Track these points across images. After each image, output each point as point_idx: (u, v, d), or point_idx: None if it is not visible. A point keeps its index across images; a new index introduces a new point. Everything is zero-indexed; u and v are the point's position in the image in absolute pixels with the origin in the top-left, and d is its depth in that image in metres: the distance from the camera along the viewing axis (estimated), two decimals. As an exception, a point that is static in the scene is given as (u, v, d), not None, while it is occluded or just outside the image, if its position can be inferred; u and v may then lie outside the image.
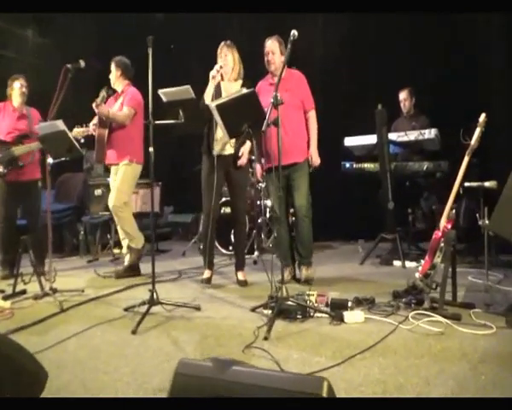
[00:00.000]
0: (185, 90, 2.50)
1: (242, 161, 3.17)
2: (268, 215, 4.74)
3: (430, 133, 3.76)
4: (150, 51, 2.57)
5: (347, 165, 4.27)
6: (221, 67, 3.01)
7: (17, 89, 3.83)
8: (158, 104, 2.67)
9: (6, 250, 3.92)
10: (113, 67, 3.68)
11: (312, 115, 3.26)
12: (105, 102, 3.54)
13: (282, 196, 3.11)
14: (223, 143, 3.09)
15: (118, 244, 4.91)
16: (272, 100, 2.40)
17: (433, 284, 2.46)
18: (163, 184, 5.44)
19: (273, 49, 3.16)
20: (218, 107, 2.51)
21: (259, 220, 4.69)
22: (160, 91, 2.52)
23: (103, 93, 3.39)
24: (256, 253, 4.39)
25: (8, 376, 1.31)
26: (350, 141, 4.25)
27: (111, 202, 3.58)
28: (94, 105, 3.36)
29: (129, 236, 3.65)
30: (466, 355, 1.82)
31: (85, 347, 2.04)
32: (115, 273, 3.64)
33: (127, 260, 3.70)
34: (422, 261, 2.52)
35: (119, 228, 3.70)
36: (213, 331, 2.20)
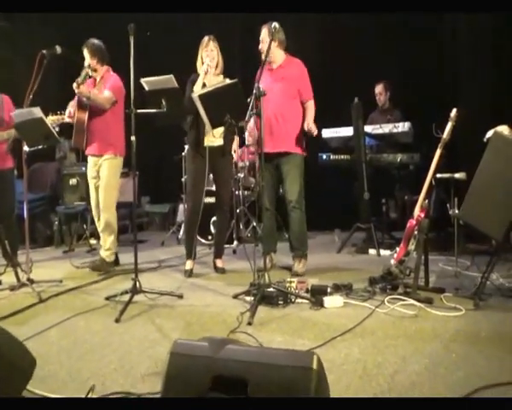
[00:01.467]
0: (168, 79, 2.50)
1: (236, 158, 3.19)
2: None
3: (404, 126, 3.90)
4: (132, 39, 2.55)
5: (324, 156, 4.37)
6: (208, 65, 3.03)
7: None
8: (139, 93, 2.66)
9: (-22, 241, 3.79)
10: (86, 53, 3.45)
11: (310, 105, 3.23)
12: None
13: (266, 185, 3.13)
14: (211, 134, 3.11)
15: (94, 235, 4.86)
16: (255, 91, 2.43)
17: (406, 270, 2.58)
18: (140, 174, 5.38)
19: (263, 38, 3.12)
20: (201, 97, 2.52)
21: (238, 210, 4.73)
22: (143, 80, 2.51)
23: (86, 71, 3.18)
24: (235, 242, 4.44)
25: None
26: (327, 133, 4.34)
27: (102, 201, 3.44)
28: (75, 85, 3.15)
29: (109, 237, 3.48)
30: (438, 336, 1.94)
31: (68, 336, 2.03)
32: (91, 265, 3.49)
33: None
34: (397, 249, 2.63)
35: (102, 224, 3.50)
36: (197, 318, 2.24)
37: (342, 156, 4.26)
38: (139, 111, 2.55)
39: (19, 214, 4.23)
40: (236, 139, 3.24)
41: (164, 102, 2.51)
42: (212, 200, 4.22)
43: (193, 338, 1.92)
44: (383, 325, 2.07)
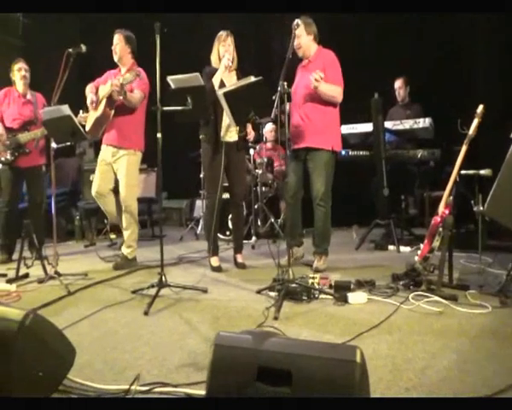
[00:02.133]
0: (194, 77, 2.52)
1: (250, 137, 3.20)
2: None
3: (425, 122, 3.87)
4: (158, 38, 2.58)
5: (343, 152, 4.35)
6: (228, 59, 3.06)
7: (17, 73, 3.79)
8: (163, 91, 2.69)
9: (6, 235, 3.91)
10: (121, 39, 3.42)
11: (336, 87, 3.09)
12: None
13: (290, 180, 3.17)
14: (228, 130, 3.14)
15: (113, 230, 4.94)
16: (279, 88, 2.45)
17: (430, 267, 2.58)
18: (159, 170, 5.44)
19: (298, 33, 3.02)
20: (226, 94, 2.55)
21: (256, 206, 4.76)
22: (169, 78, 2.54)
23: (133, 75, 3.07)
24: (254, 238, 4.47)
25: (39, 354, 1.36)
26: (346, 129, 4.33)
27: (124, 198, 3.43)
28: (116, 83, 3.08)
29: (130, 234, 3.48)
30: (465, 332, 1.94)
31: (99, 328, 2.09)
32: (114, 265, 3.48)
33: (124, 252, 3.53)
34: (421, 245, 2.62)
35: (123, 221, 3.49)
36: (223, 312, 2.28)
37: (361, 152, 4.24)
38: (165, 108, 2.58)
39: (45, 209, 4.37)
40: (252, 133, 3.24)
41: (189, 100, 2.53)
42: (228, 195, 4.26)
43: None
44: (409, 322, 2.08)
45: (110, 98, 3.26)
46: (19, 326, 1.30)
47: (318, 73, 2.89)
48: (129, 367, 1.63)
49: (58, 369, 1.40)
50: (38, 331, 1.35)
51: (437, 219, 2.50)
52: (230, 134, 3.18)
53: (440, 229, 2.45)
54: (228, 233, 4.72)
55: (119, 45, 3.43)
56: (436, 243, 2.47)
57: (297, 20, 2.85)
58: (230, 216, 4.67)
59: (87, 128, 3.39)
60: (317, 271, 3.10)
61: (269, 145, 5.49)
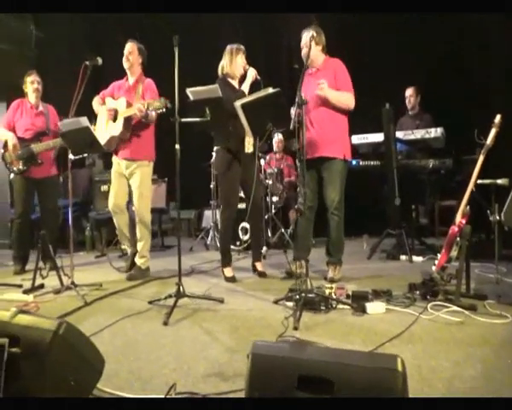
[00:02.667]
0: (213, 89, 2.56)
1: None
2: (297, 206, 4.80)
3: (436, 132, 3.89)
4: (176, 50, 2.63)
5: (354, 162, 4.38)
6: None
7: (30, 85, 3.86)
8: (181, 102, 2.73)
9: (20, 246, 3.94)
10: (135, 49, 3.50)
11: (346, 93, 3.12)
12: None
13: (311, 186, 3.16)
14: (246, 141, 3.18)
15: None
16: (297, 99, 2.48)
17: (447, 276, 2.58)
18: (168, 181, 5.49)
19: (307, 42, 3.09)
20: (244, 106, 2.58)
21: (266, 217, 4.78)
22: (188, 90, 2.58)
23: (163, 104, 3.05)
24: (264, 248, 4.47)
25: (72, 363, 1.37)
26: (357, 139, 4.36)
27: (138, 210, 3.47)
28: (141, 107, 3.15)
29: (144, 244, 3.51)
30: (488, 342, 1.94)
31: (120, 338, 2.09)
32: (128, 276, 3.49)
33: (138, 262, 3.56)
34: (438, 255, 2.63)
35: (138, 232, 3.53)
36: (243, 322, 2.28)
37: (372, 162, 4.27)
38: (184, 120, 2.62)
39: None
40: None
41: (208, 111, 2.56)
42: (240, 206, 4.28)
43: (243, 342, 1.98)
44: (430, 332, 2.07)
45: (129, 118, 3.35)
46: (53, 336, 1.31)
47: (321, 81, 2.97)
48: (155, 377, 1.64)
49: (89, 378, 1.40)
50: (71, 340, 1.36)
51: (454, 228, 2.51)
52: (248, 145, 3.22)
53: (458, 239, 2.46)
54: (238, 243, 4.74)
55: (134, 55, 3.50)
56: (454, 253, 2.48)
57: (311, 32, 2.88)
58: (241, 226, 4.72)
59: (102, 143, 3.42)
60: (331, 281, 3.10)
61: (278, 156, 5.53)
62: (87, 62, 3.12)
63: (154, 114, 3.32)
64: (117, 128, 3.38)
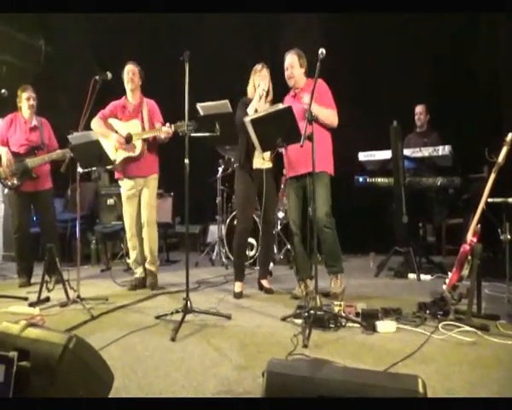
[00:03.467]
0: (223, 105, 2.59)
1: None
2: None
3: (444, 150, 3.89)
4: (187, 66, 2.66)
5: (361, 179, 4.38)
6: (263, 89, 3.16)
7: (25, 101, 3.85)
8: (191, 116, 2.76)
9: (22, 259, 3.94)
10: (137, 70, 3.59)
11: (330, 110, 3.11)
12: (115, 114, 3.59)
13: (293, 208, 3.17)
14: (261, 157, 3.20)
15: (128, 254, 4.94)
16: (307, 116, 2.49)
17: (458, 296, 2.55)
18: (174, 195, 5.50)
19: (291, 64, 3.15)
20: (253, 121, 2.60)
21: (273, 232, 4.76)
22: (199, 105, 2.60)
23: (187, 125, 3.00)
24: (271, 264, 4.44)
25: (81, 377, 1.35)
26: (364, 156, 4.37)
27: (148, 219, 3.57)
28: (168, 131, 3.28)
29: (153, 255, 3.63)
30: (502, 363, 1.90)
31: (129, 353, 2.07)
32: (149, 285, 3.59)
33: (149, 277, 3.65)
34: (449, 274, 2.60)
35: (148, 241, 3.61)
36: (251, 339, 2.25)
37: (380, 179, 4.26)
38: (193, 134, 2.64)
39: (62, 233, 4.41)
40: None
41: (217, 126, 2.58)
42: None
43: (252, 359, 1.95)
44: (443, 352, 2.03)
45: (146, 139, 3.48)
46: (63, 350, 1.30)
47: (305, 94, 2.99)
48: (164, 393, 1.61)
49: (99, 392, 1.38)
50: (81, 354, 1.34)
51: (466, 247, 2.48)
52: (263, 161, 3.24)
53: (469, 257, 2.43)
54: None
55: (137, 77, 3.60)
56: (465, 272, 2.45)
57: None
58: (261, 240, 4.70)
59: (115, 163, 3.53)
60: (334, 295, 3.07)
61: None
62: (97, 77, 3.15)
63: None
64: (136, 149, 3.49)
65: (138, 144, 3.48)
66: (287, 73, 3.20)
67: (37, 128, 3.93)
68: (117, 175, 3.68)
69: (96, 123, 3.54)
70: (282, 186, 5.03)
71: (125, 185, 3.64)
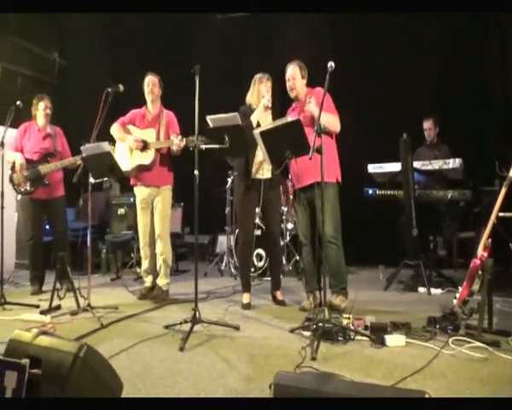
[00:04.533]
0: (233, 117, 2.62)
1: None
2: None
3: (455, 163, 3.87)
4: (197, 79, 2.71)
5: (370, 191, 4.37)
6: (268, 100, 3.18)
7: (41, 110, 3.96)
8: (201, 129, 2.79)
9: (35, 267, 4.00)
10: (157, 81, 3.65)
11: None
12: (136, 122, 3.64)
13: (300, 219, 3.15)
14: (261, 166, 3.21)
15: (138, 263, 4.98)
16: (316, 128, 2.51)
17: (468, 311, 2.52)
18: (184, 205, 5.55)
19: (293, 75, 3.16)
20: (262, 133, 2.63)
21: (281, 243, 4.76)
22: (209, 117, 2.64)
23: (198, 140, 3.00)
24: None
25: (91, 386, 1.37)
26: (373, 168, 4.36)
27: (161, 231, 3.56)
28: (178, 144, 3.32)
29: (164, 271, 3.60)
30: (513, 380, 1.87)
31: (137, 362, 2.09)
32: (151, 296, 3.58)
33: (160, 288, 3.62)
34: (460, 288, 2.57)
35: (160, 254, 3.60)
36: (259, 351, 2.25)
37: (389, 192, 4.25)
38: (203, 146, 2.67)
39: (73, 242, 4.47)
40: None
41: (227, 138, 2.62)
42: (259, 232, 4.28)
43: (259, 371, 1.95)
44: (452, 368, 2.01)
45: (160, 149, 3.52)
46: (73, 358, 1.32)
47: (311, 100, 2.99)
48: (172, 404, 1.61)
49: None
50: (91, 363, 1.36)
51: (476, 261, 2.46)
52: (262, 171, 3.25)
53: (480, 272, 2.41)
54: (253, 270, 4.71)
55: (157, 87, 3.66)
56: (476, 287, 2.42)
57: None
58: (256, 252, 4.71)
59: (128, 169, 3.56)
60: (333, 308, 2.97)
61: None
62: (109, 89, 3.22)
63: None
64: (148, 158, 3.51)
65: (150, 153, 3.51)
66: (288, 85, 3.21)
67: (51, 136, 4.03)
68: (132, 181, 3.71)
69: (114, 128, 3.62)
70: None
71: (139, 193, 3.66)
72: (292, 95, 3.23)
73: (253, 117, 3.15)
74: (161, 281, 3.59)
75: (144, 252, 3.72)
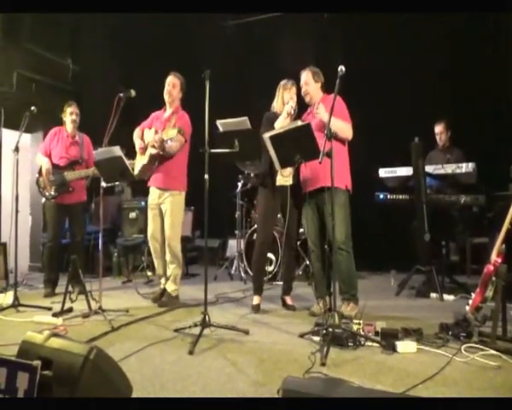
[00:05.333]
0: (242, 122, 2.63)
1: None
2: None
3: (468, 167, 3.82)
4: (207, 84, 2.73)
5: (381, 196, 4.33)
6: (292, 107, 3.17)
7: (69, 116, 4.07)
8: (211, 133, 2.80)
9: (50, 269, 4.06)
10: (178, 84, 3.58)
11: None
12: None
13: (310, 224, 3.12)
14: (283, 174, 3.21)
15: (149, 267, 5.02)
16: (326, 132, 2.50)
17: (482, 317, 2.47)
18: (195, 209, 5.58)
19: (306, 81, 3.18)
20: (272, 138, 2.63)
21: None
22: (219, 122, 2.66)
23: (178, 132, 3.18)
24: (289, 280, 4.42)
25: (101, 388, 1.38)
26: (384, 172, 4.33)
27: (169, 237, 3.48)
28: (156, 139, 3.28)
29: (172, 276, 3.54)
30: (529, 389, 1.83)
31: (147, 365, 2.09)
32: (159, 303, 3.53)
33: (169, 290, 3.57)
34: (473, 295, 2.53)
35: (168, 260, 3.54)
36: (268, 355, 2.24)
37: (400, 196, 4.21)
38: (213, 151, 2.69)
39: (86, 245, 4.52)
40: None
41: (236, 143, 2.63)
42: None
43: (269, 376, 1.94)
44: (465, 375, 1.97)
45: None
46: (84, 360, 1.33)
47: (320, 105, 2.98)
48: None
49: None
50: (101, 366, 1.37)
51: (490, 267, 2.42)
52: (285, 178, 3.24)
53: (493, 278, 2.37)
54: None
55: (177, 90, 3.59)
56: (489, 293, 2.38)
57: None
58: (284, 257, 4.70)
59: (136, 172, 3.53)
60: (344, 316, 2.92)
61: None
62: (121, 94, 3.25)
63: (173, 144, 3.38)
64: (145, 157, 3.47)
65: (148, 153, 3.45)
66: (302, 90, 3.23)
67: (78, 143, 4.11)
68: (149, 183, 3.67)
69: (135, 135, 3.64)
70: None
71: (150, 194, 3.65)
72: (306, 100, 3.24)
73: (276, 124, 3.13)
74: (170, 287, 3.54)
75: (154, 255, 3.68)
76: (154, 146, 3.38)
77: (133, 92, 3.33)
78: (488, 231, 4.16)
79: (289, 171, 3.20)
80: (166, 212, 3.53)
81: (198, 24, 6.29)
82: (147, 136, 3.60)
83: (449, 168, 3.92)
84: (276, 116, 3.25)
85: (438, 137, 4.47)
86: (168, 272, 3.56)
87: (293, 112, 3.18)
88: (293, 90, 3.28)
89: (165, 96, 3.59)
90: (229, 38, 6.51)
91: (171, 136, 3.21)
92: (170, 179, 3.54)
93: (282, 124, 3.12)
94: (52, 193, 3.94)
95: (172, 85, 3.57)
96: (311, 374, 1.95)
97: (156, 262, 3.71)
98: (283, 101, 3.26)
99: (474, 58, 4.92)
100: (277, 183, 3.25)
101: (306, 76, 3.21)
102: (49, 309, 3.25)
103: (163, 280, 3.70)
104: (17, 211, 3.42)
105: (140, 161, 3.56)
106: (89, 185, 3.51)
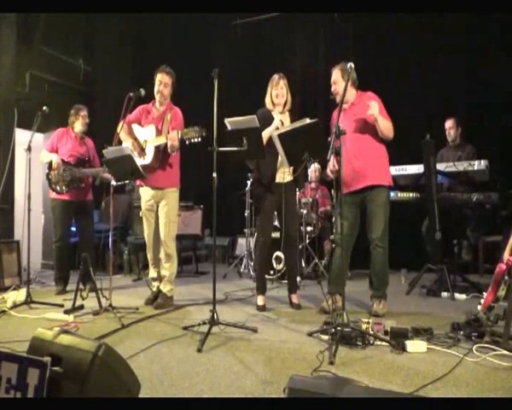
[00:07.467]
0: (251, 120, 2.63)
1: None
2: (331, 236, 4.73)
3: (480, 164, 3.75)
4: (216, 82, 2.73)
5: (392, 194, 4.29)
6: (280, 121, 3.19)
7: (81, 118, 4.14)
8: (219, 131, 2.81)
9: (61, 268, 4.11)
10: (170, 82, 3.48)
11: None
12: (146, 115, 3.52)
13: (346, 224, 3.01)
14: (281, 171, 3.21)
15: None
16: (335, 130, 2.48)
17: (494, 317, 2.43)
18: (204, 208, 5.59)
19: (334, 80, 3.15)
20: (281, 136, 2.62)
21: (300, 246, 4.74)
22: (227, 120, 2.66)
23: (196, 131, 3.11)
24: (298, 278, 4.40)
25: (109, 385, 1.39)
26: (395, 170, 4.28)
27: (166, 235, 3.40)
28: (175, 136, 3.19)
29: (167, 277, 3.46)
30: (542, 391, 1.79)
31: (156, 362, 2.11)
32: (155, 305, 3.39)
33: (164, 291, 3.47)
34: (484, 294, 2.49)
35: (164, 258, 3.45)
36: (276, 354, 2.24)
37: (411, 194, 4.16)
38: (221, 149, 2.69)
39: (96, 243, 4.58)
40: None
41: (245, 141, 2.62)
42: (274, 235, 4.26)
43: (277, 374, 1.94)
44: (476, 376, 1.94)
45: (159, 147, 3.34)
46: (92, 357, 1.35)
47: (372, 103, 2.93)
48: (188, 405, 1.62)
49: (125, 402, 1.41)
50: (110, 362, 1.38)
51: (502, 266, 2.38)
52: (283, 175, 3.24)
53: (506, 277, 2.32)
54: (272, 272, 4.71)
55: (168, 89, 3.49)
56: (502, 292, 2.34)
57: (350, 64, 2.84)
58: (275, 255, 4.70)
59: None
60: (376, 315, 2.98)
61: (313, 185, 5.53)
62: (131, 94, 3.25)
63: (177, 144, 3.29)
64: (147, 157, 3.36)
65: (149, 152, 3.36)
66: (332, 89, 3.19)
67: (85, 144, 4.23)
68: (138, 183, 3.60)
69: (122, 133, 3.39)
70: (311, 199, 5.02)
71: (144, 194, 3.55)
72: (337, 99, 3.14)
73: (264, 133, 2.98)
74: (165, 287, 3.46)
75: (150, 255, 3.60)
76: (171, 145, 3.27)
77: (143, 91, 3.31)
78: (502, 229, 4.09)
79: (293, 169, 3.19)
80: (163, 210, 3.44)
81: (210, 24, 6.31)
82: (143, 134, 3.46)
83: (461, 166, 3.85)
84: (269, 112, 3.26)
85: (447, 133, 4.40)
86: (163, 272, 3.48)
87: (280, 125, 3.15)
88: (281, 84, 3.24)
89: (157, 96, 3.49)
90: (238, 36, 6.51)
91: (191, 136, 3.12)
92: (167, 178, 3.45)
93: (269, 134, 3.02)
94: (64, 188, 4.01)
95: (164, 85, 3.46)
96: (319, 373, 1.95)
97: (152, 267, 3.63)
98: (271, 97, 3.26)
99: (486, 54, 4.83)
100: (277, 179, 3.24)
101: (335, 75, 3.14)
102: (61, 306, 3.30)
103: (157, 283, 3.61)
104: (29, 209, 3.47)
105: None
106: (99, 184, 3.52)
